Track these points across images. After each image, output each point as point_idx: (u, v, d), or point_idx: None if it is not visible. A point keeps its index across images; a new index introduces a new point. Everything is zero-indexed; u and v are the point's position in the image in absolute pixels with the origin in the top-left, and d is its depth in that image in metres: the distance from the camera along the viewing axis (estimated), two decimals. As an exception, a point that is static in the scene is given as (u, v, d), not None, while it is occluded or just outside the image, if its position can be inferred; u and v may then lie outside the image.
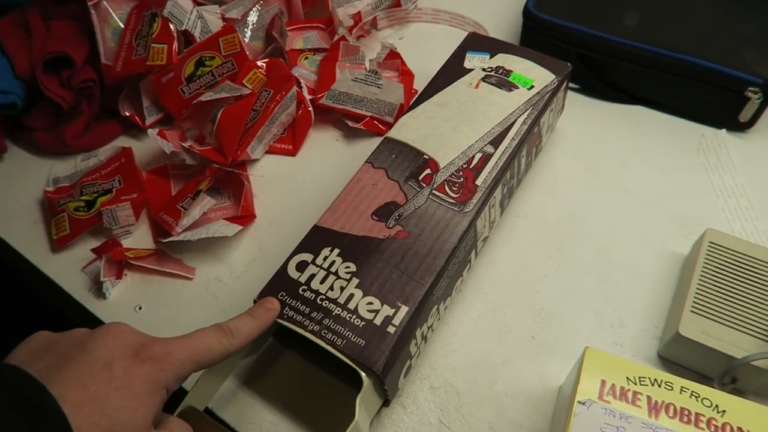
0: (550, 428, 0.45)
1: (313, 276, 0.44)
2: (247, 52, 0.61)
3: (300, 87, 0.61)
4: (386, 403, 0.44)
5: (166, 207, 0.55)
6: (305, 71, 0.65)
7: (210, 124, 0.59)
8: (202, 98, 0.57)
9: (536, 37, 0.64)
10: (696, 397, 0.38)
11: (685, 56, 0.57)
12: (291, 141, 0.62)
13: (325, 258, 0.44)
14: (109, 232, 0.56)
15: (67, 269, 0.55)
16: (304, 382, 0.47)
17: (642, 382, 0.38)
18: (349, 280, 0.43)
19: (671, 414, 0.37)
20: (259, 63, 0.61)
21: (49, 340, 0.34)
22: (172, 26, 0.58)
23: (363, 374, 0.40)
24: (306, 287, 0.43)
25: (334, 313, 0.42)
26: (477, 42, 0.58)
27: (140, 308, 0.52)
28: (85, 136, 0.62)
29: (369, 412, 0.42)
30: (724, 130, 0.60)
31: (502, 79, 0.54)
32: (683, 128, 0.61)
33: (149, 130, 0.57)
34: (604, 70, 0.62)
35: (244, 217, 0.56)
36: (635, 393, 0.38)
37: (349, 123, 0.62)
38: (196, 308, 0.52)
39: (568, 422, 0.37)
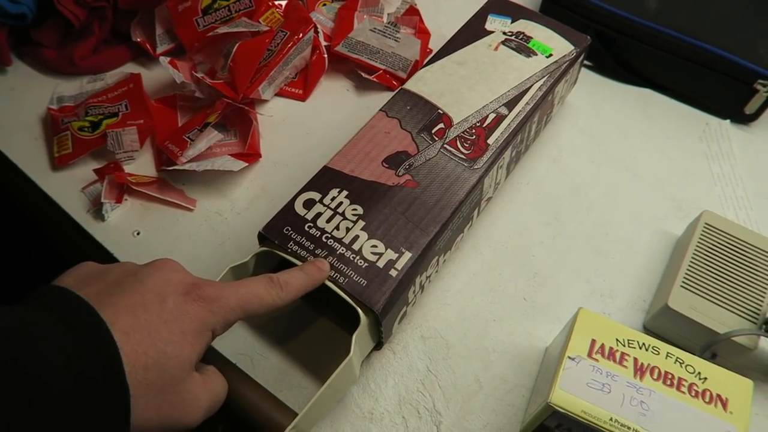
0: (535, 385, 0.46)
1: (319, 214, 0.44)
2: (266, -9, 0.60)
3: (317, 32, 0.60)
4: (378, 346, 0.45)
5: (172, 136, 0.55)
6: (322, 17, 0.64)
7: (222, 59, 0.59)
8: (218, 31, 0.57)
9: (556, 9, 0.64)
10: (680, 363, 0.39)
11: (701, 43, 0.58)
12: (302, 86, 0.61)
13: (333, 198, 0.45)
14: (112, 155, 0.55)
15: (66, 188, 0.54)
16: (298, 320, 0.48)
17: (630, 345, 0.40)
18: (355, 222, 0.44)
19: (655, 376, 0.38)
20: (277, 2, 0.60)
21: (98, 269, 0.33)
22: (194, -47, 0.57)
23: (361, 312, 0.40)
24: (312, 224, 0.43)
25: (338, 252, 0.42)
26: (499, 5, 0.57)
27: (138, 233, 0.52)
28: (94, 57, 0.60)
29: (362, 353, 0.43)
30: (728, 121, 0.61)
31: (521, 45, 0.54)
32: (689, 115, 0.62)
33: (161, 58, 0.57)
34: (619, 49, 0.63)
35: (250, 155, 0.55)
36: (623, 354, 0.39)
37: (362, 74, 0.61)
38: (195, 239, 0.52)
39: (556, 375, 0.38)
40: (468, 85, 0.51)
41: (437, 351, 0.47)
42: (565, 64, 0.53)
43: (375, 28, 0.61)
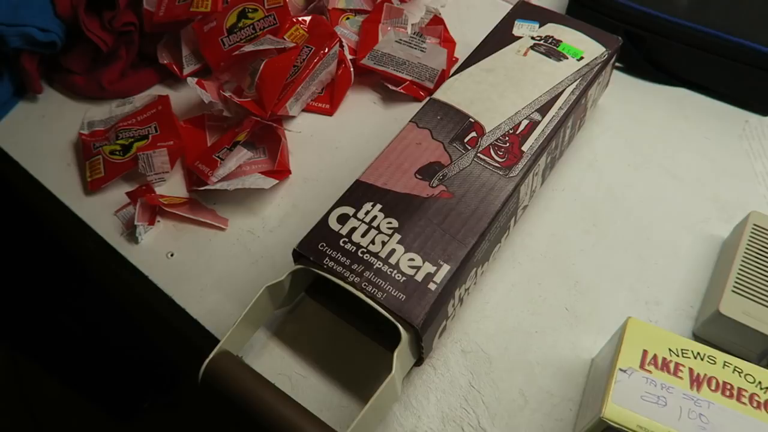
0: (582, 399, 0.44)
1: (354, 229, 0.43)
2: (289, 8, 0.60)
3: (342, 46, 0.60)
4: (418, 362, 0.44)
5: (202, 156, 0.55)
6: (346, 31, 0.64)
7: (249, 78, 0.59)
8: (244, 49, 0.57)
9: (584, 11, 0.63)
10: (739, 372, 0.37)
11: (737, 39, 0.56)
12: (329, 100, 0.61)
13: (367, 212, 0.44)
14: (143, 178, 0.55)
15: (100, 212, 0.55)
16: (334, 338, 0.47)
17: (684, 355, 0.38)
18: (390, 236, 0.43)
19: (713, 387, 0.37)
20: (301, 18, 0.60)
21: None
22: (218, -26, 0.57)
23: (402, 328, 0.39)
24: (347, 239, 0.43)
25: (375, 267, 0.41)
26: (527, 10, 0.57)
27: (172, 255, 0.52)
28: (122, 81, 0.61)
29: (403, 370, 0.42)
30: (768, 118, 0.59)
31: (551, 49, 0.53)
32: (727, 113, 0.60)
33: (188, 78, 0.57)
34: (651, 49, 0.61)
35: (280, 172, 0.55)
36: (677, 365, 0.38)
37: (389, 86, 0.61)
38: (228, 259, 0.52)
39: (608, 389, 0.37)
40: (498, 92, 0.50)
41: (479, 365, 0.46)
42: (597, 66, 0.52)
43: (400, 39, 0.60)
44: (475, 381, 0.45)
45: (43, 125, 0.61)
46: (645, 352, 0.38)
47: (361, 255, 0.42)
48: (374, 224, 0.43)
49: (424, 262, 0.42)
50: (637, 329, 0.39)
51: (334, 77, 0.61)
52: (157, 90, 0.63)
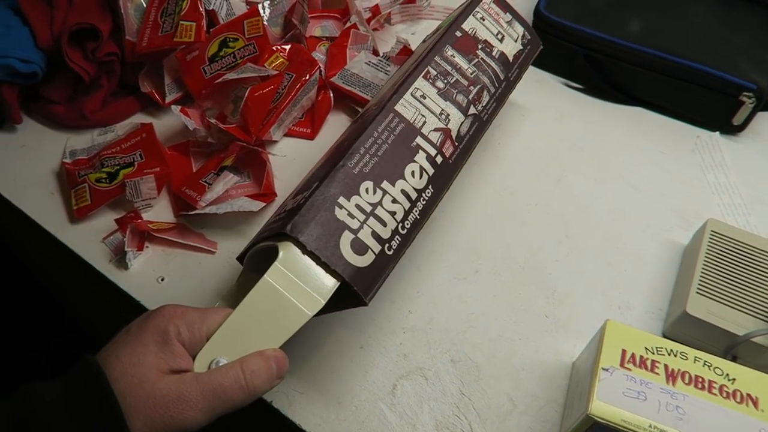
0: (566, 399, 0.47)
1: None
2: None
3: (321, 73, 0.63)
4: (359, 299, 0.41)
5: (189, 182, 0.56)
6: (322, 56, 0.66)
7: (231, 104, 0.60)
8: (227, 77, 0.58)
9: (545, 37, 0.67)
10: (708, 366, 0.41)
11: (687, 61, 0.61)
12: (310, 125, 0.63)
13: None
14: (130, 204, 0.56)
15: (86, 240, 0.55)
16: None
17: (659, 352, 0.41)
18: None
19: (687, 381, 0.40)
20: (280, 47, 0.62)
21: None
22: (200, 4, 0.59)
23: (278, 244, 0.40)
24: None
25: (271, 223, 0.44)
26: None
27: (163, 279, 0.53)
28: (103, 110, 0.62)
29: (318, 292, 0.40)
30: (717, 133, 0.64)
31: None
32: (680, 130, 0.65)
33: (172, 106, 0.58)
34: (608, 71, 0.66)
35: (266, 195, 0.57)
36: (653, 362, 0.41)
37: (358, 109, 0.63)
38: (219, 281, 0.53)
39: (592, 387, 0.40)
40: None
41: (468, 373, 0.48)
42: (464, 5, 0.57)
43: (370, 62, 0.63)
44: (465, 389, 0.47)
45: (23, 155, 0.61)
46: (624, 351, 0.41)
47: (266, 227, 0.45)
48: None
49: (305, 192, 0.43)
50: (615, 330, 0.42)
51: (314, 102, 0.63)
52: (138, 118, 0.64)
